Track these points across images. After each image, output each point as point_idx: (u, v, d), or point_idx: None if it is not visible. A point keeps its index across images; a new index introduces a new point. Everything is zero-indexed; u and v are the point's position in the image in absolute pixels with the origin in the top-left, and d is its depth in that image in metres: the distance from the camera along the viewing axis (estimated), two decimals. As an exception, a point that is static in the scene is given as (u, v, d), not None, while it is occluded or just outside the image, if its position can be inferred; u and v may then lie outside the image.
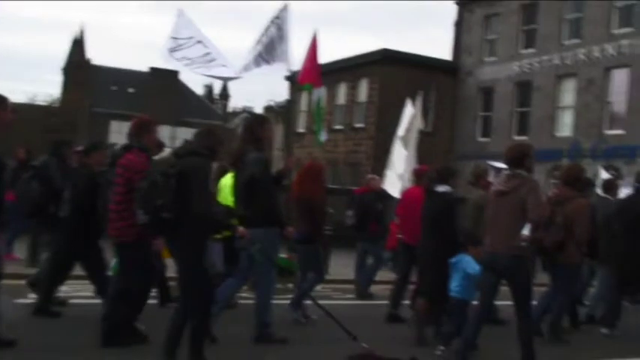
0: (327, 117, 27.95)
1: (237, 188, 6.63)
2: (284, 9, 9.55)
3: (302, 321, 7.88)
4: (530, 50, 28.59)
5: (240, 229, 6.44)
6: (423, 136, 30.45)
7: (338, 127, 32.35)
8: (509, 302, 6.29)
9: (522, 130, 28.88)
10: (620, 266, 8.12)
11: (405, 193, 9.02)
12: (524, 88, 28.92)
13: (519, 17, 29.21)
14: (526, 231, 5.80)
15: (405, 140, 12.14)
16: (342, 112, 32.84)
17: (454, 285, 6.57)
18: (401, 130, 12.39)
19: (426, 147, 29.29)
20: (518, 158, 6.09)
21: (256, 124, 6.80)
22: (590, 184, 8.85)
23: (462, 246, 6.67)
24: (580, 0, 26.54)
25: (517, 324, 6.04)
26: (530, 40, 28.80)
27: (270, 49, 9.37)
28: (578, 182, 7.57)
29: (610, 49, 25.07)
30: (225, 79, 31.85)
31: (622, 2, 25.12)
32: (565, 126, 27.15)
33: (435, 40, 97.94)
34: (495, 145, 29.42)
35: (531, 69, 28.36)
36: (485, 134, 30.74)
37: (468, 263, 6.46)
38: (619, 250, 8.08)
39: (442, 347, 6.54)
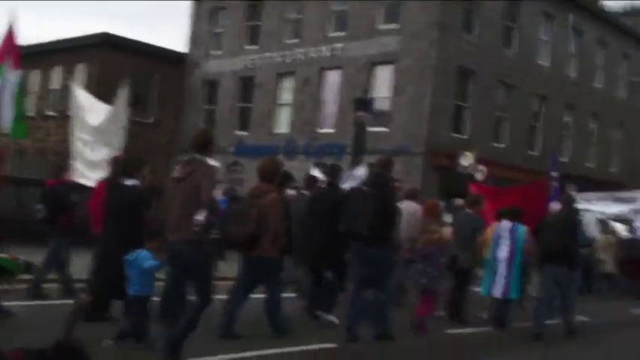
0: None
1: None
2: None
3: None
4: (254, 47, 28.86)
5: None
6: (145, 126, 29.93)
7: (51, 113, 29.81)
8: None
9: (243, 126, 29.04)
10: (313, 256, 8.56)
11: (99, 184, 8.48)
12: (246, 84, 29.10)
13: (244, 13, 29.34)
14: (201, 216, 5.66)
15: (100, 130, 10.42)
16: (57, 97, 30.31)
17: (131, 282, 6.32)
18: (93, 118, 10.62)
19: (148, 138, 28.86)
20: (203, 143, 6.06)
21: None
22: (290, 178, 8.96)
23: (140, 242, 6.46)
24: (301, 1, 27.33)
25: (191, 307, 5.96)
26: (254, 36, 29.08)
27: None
28: (274, 177, 7.52)
29: (325, 50, 26.12)
30: None
31: (338, 7, 26.33)
32: (283, 123, 27.77)
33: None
34: (218, 139, 29.24)
35: (254, 65, 28.62)
36: (208, 128, 30.39)
37: (144, 259, 6.21)
38: (313, 243, 8.42)
39: (110, 341, 6.19)
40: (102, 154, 9.84)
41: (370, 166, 10.05)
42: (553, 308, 9.59)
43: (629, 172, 33.36)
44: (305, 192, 9.98)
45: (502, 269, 9.38)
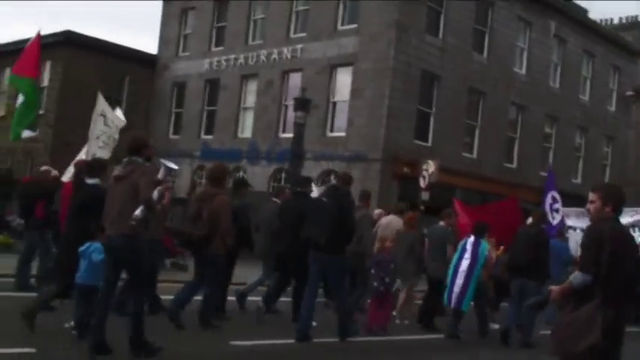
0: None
1: None
2: None
3: None
4: (220, 48, 28.01)
5: None
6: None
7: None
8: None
9: (209, 129, 28.14)
10: (280, 259, 9.32)
11: (67, 185, 9.08)
12: (213, 86, 28.23)
13: (212, 13, 28.54)
14: (138, 212, 6.09)
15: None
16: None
17: (81, 272, 6.78)
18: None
19: (118, 142, 28.05)
20: (138, 147, 6.46)
21: None
22: (244, 184, 10.10)
23: (92, 235, 6.84)
24: (266, 1, 26.46)
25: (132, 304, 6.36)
26: (220, 37, 28.25)
27: None
28: (222, 181, 8.25)
29: (287, 52, 25.16)
30: None
31: (300, 7, 25.39)
32: (247, 127, 26.81)
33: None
34: (185, 143, 28.45)
35: (219, 67, 27.75)
36: (176, 131, 29.58)
37: (95, 250, 6.68)
38: (281, 246, 9.20)
39: (74, 332, 6.84)
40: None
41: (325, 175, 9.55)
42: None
43: (618, 190, 31.76)
44: (276, 200, 10.65)
45: (460, 281, 9.63)
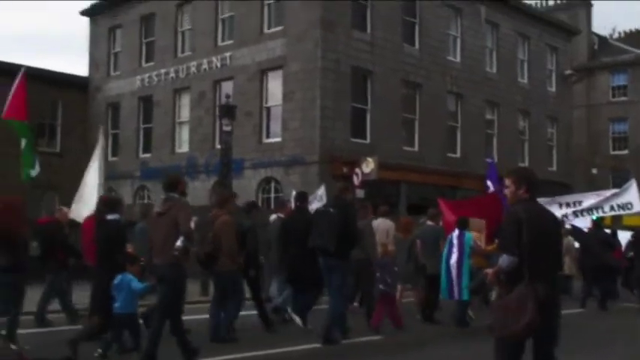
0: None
1: None
2: None
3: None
4: (150, 63, 27.37)
5: None
6: (51, 157, 28.33)
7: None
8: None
9: (147, 148, 27.45)
10: (293, 269, 9.79)
11: (87, 221, 9.81)
12: (146, 104, 27.57)
13: (140, 29, 27.89)
14: (179, 242, 6.83)
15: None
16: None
17: (120, 302, 7.36)
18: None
19: (55, 169, 27.21)
20: (174, 184, 7.29)
21: None
22: (255, 206, 11.16)
23: (122, 266, 7.53)
24: (191, 12, 25.92)
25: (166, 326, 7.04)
26: (150, 53, 27.61)
27: None
28: (225, 204, 8.93)
29: (216, 61, 24.62)
30: None
31: (226, 14, 24.89)
32: (184, 141, 26.19)
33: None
34: (124, 164, 27.71)
35: (151, 83, 27.09)
36: (114, 153, 28.77)
37: (131, 281, 7.36)
38: (291, 258, 9.75)
39: (100, 351, 7.38)
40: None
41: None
42: None
43: (566, 171, 31.81)
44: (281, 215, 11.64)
45: (454, 273, 10.24)
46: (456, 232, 10.46)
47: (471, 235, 10.52)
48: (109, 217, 7.89)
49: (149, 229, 7.59)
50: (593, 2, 41.26)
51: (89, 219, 9.67)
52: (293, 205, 11.36)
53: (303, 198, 10.72)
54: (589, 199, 14.43)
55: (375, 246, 10.29)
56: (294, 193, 14.43)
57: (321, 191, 16.51)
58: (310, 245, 8.86)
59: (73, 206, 11.35)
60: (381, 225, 11.46)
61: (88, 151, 29.09)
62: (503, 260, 4.89)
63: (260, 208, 12.35)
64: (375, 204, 13.03)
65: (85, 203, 11.17)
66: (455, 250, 10.32)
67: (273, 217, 12.39)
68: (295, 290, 9.99)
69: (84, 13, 30.37)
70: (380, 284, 9.72)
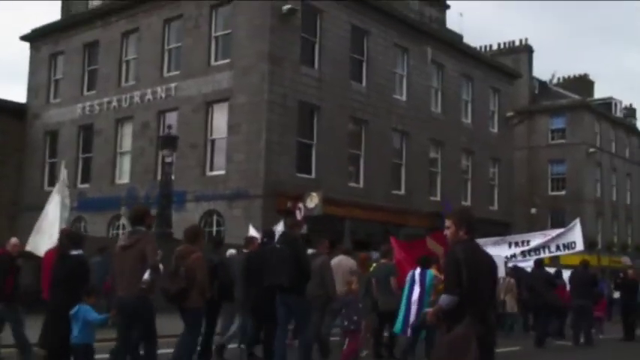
0: None
1: None
2: None
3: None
4: (92, 92, 26.74)
5: None
6: None
7: None
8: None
9: (86, 178, 26.63)
10: (256, 305, 9.71)
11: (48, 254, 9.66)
12: (87, 133, 26.83)
13: (83, 56, 27.28)
14: (146, 276, 6.91)
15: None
16: None
17: (75, 333, 7.23)
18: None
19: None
20: (140, 217, 7.31)
21: None
22: (221, 242, 11.36)
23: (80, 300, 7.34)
24: (137, 42, 25.50)
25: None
26: (92, 81, 26.99)
27: None
28: (196, 239, 8.61)
29: (161, 91, 24.19)
30: None
31: (172, 45, 24.57)
32: (124, 172, 25.52)
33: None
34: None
35: (92, 112, 26.43)
36: (51, 183, 27.73)
37: (87, 312, 7.22)
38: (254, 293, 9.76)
39: None
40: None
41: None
42: None
43: (507, 210, 32.29)
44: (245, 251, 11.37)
45: (414, 310, 10.26)
46: (418, 270, 10.60)
47: (432, 274, 10.63)
48: (73, 252, 7.82)
49: (113, 262, 7.56)
50: (534, 49, 42.67)
51: (50, 252, 9.53)
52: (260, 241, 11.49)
53: (270, 235, 10.93)
54: (536, 239, 14.68)
55: (334, 281, 10.24)
56: (251, 229, 14.86)
57: (280, 227, 16.07)
58: (265, 284, 8.96)
59: (30, 239, 11.02)
60: (343, 262, 11.47)
61: (25, 180, 28.42)
62: (443, 300, 5.03)
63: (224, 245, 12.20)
64: (331, 241, 12.87)
65: (43, 236, 10.94)
66: (417, 287, 10.45)
67: (231, 251, 12.53)
68: (257, 324, 10.07)
69: (24, 38, 29.60)
70: (345, 321, 9.77)
